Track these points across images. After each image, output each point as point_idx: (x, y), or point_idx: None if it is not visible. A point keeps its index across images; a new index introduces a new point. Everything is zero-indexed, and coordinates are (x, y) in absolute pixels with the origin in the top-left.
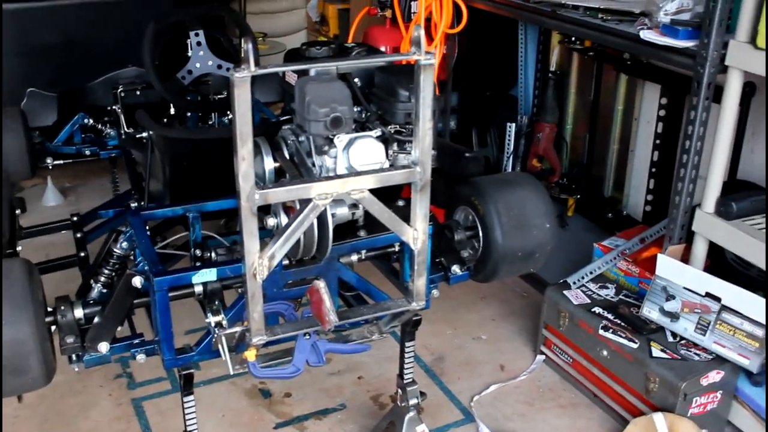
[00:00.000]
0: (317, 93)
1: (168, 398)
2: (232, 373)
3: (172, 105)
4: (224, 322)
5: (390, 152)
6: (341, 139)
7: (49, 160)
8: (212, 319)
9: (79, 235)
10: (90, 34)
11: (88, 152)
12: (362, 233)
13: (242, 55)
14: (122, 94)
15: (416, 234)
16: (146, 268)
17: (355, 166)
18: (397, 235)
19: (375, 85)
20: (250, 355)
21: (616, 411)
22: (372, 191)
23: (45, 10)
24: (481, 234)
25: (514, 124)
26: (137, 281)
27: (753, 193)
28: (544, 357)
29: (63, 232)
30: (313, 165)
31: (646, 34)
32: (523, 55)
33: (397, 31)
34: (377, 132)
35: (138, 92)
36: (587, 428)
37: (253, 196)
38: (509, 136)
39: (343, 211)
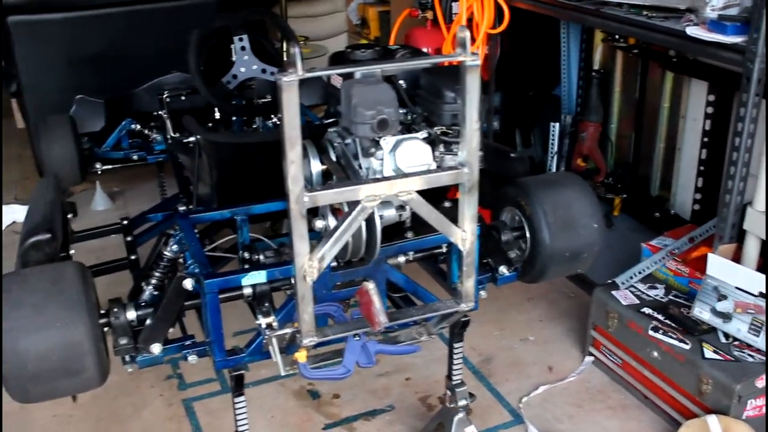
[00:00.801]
0: (363, 95)
1: (217, 399)
2: (282, 374)
3: (217, 109)
4: (275, 324)
5: (436, 153)
6: (387, 141)
7: (98, 165)
8: (263, 321)
9: (129, 239)
10: (134, 41)
11: (135, 157)
12: (409, 235)
13: (287, 59)
14: (168, 100)
15: (464, 235)
16: (196, 270)
17: (402, 167)
18: (446, 236)
19: (420, 86)
20: (301, 356)
21: (667, 413)
22: (419, 193)
23: (90, 19)
24: (528, 235)
25: (557, 124)
26: (188, 283)
27: None
28: (593, 358)
29: (113, 235)
30: (360, 167)
31: (693, 31)
32: (566, 54)
33: (439, 32)
34: (423, 134)
35: (183, 98)
36: (638, 430)
37: (302, 199)
38: (553, 135)
39: (390, 213)
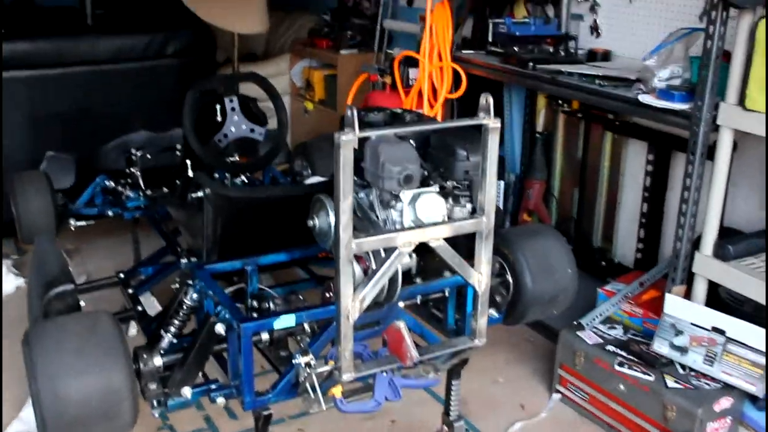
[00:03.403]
0: (391, 153)
1: None
2: (324, 409)
3: (190, 166)
4: (313, 362)
5: (447, 205)
6: (406, 194)
7: (72, 222)
8: (301, 360)
9: (131, 291)
10: (100, 99)
11: (111, 213)
12: (418, 280)
13: (346, 120)
14: (139, 157)
15: (481, 277)
16: (227, 316)
17: (421, 218)
18: (464, 278)
19: (431, 145)
20: (337, 391)
21: None
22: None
23: (55, 77)
24: (511, 280)
25: (502, 182)
26: (220, 328)
27: (744, 237)
28: (560, 395)
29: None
30: (377, 218)
31: (645, 98)
32: (509, 117)
33: (397, 95)
34: (436, 187)
35: (149, 156)
36: None
37: (350, 245)
38: (499, 193)
39: (406, 261)
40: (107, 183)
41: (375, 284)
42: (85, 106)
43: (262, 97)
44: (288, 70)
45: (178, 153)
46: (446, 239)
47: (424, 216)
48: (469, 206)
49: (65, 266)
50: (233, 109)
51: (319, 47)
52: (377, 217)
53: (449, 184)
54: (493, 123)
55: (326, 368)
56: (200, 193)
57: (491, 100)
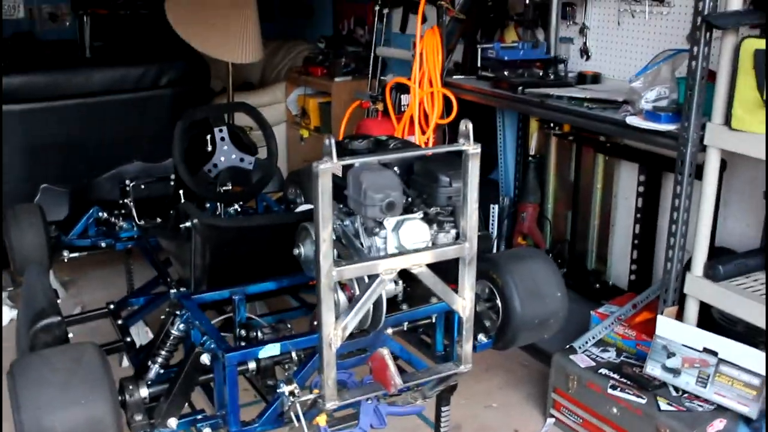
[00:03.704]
0: (373, 181)
1: None
2: None
3: (182, 196)
4: (297, 391)
5: (431, 232)
6: (390, 222)
7: (65, 253)
8: (285, 389)
9: (120, 322)
10: (93, 131)
11: (104, 244)
12: (404, 307)
13: (324, 148)
14: (133, 188)
15: (465, 303)
16: (212, 346)
17: (405, 245)
18: (447, 304)
19: (415, 172)
20: (321, 420)
21: None
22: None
23: (50, 110)
24: (500, 304)
25: (496, 206)
26: (205, 358)
27: (735, 257)
28: (554, 419)
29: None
30: (361, 245)
31: (632, 120)
32: (503, 141)
33: (389, 122)
34: (420, 214)
35: (143, 186)
36: None
37: (331, 273)
38: (493, 216)
39: (390, 287)
40: (100, 214)
41: (357, 312)
42: (80, 138)
43: (255, 126)
44: (284, 98)
45: (171, 183)
46: (431, 266)
47: (408, 242)
48: (453, 232)
49: (52, 299)
50: (223, 138)
51: (314, 75)
52: (362, 244)
53: (432, 210)
54: (473, 149)
55: (310, 396)
56: (188, 223)
57: (470, 126)
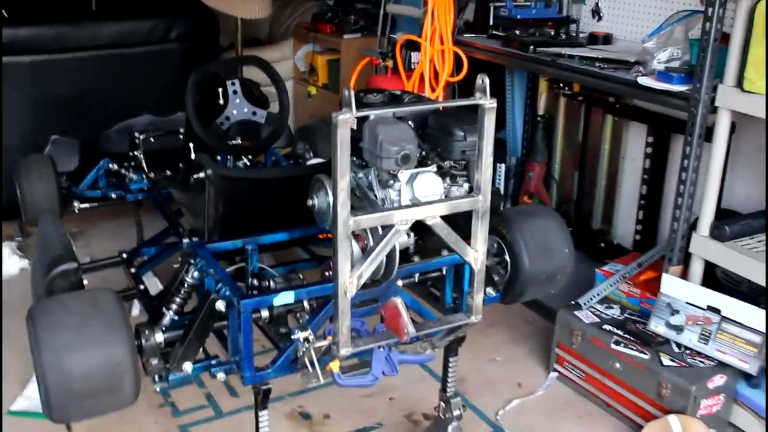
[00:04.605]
0: (388, 133)
1: (215, 424)
2: (322, 382)
3: (192, 149)
4: (311, 338)
5: (444, 185)
6: (404, 174)
7: (76, 204)
8: (300, 335)
9: (133, 271)
10: (103, 84)
11: (114, 196)
12: (416, 259)
13: (343, 100)
14: (143, 141)
15: (477, 255)
16: (227, 293)
17: (418, 197)
18: (460, 255)
19: (429, 126)
20: (335, 366)
21: (629, 417)
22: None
23: (58, 62)
24: (509, 259)
25: (503, 165)
26: (221, 305)
27: (741, 218)
28: (557, 374)
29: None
30: (375, 197)
31: (644, 80)
32: (511, 100)
33: (399, 79)
34: (434, 167)
35: (152, 139)
36: None
37: (348, 222)
38: (499, 175)
39: (403, 239)
40: (111, 166)
41: (372, 261)
42: (89, 91)
43: (265, 81)
44: (292, 54)
45: (180, 136)
46: (445, 219)
47: (422, 195)
48: (466, 186)
49: (69, 245)
50: (235, 92)
51: (323, 32)
52: (376, 196)
53: (447, 164)
54: (489, 103)
55: (324, 343)
56: (202, 174)
57: (487, 81)
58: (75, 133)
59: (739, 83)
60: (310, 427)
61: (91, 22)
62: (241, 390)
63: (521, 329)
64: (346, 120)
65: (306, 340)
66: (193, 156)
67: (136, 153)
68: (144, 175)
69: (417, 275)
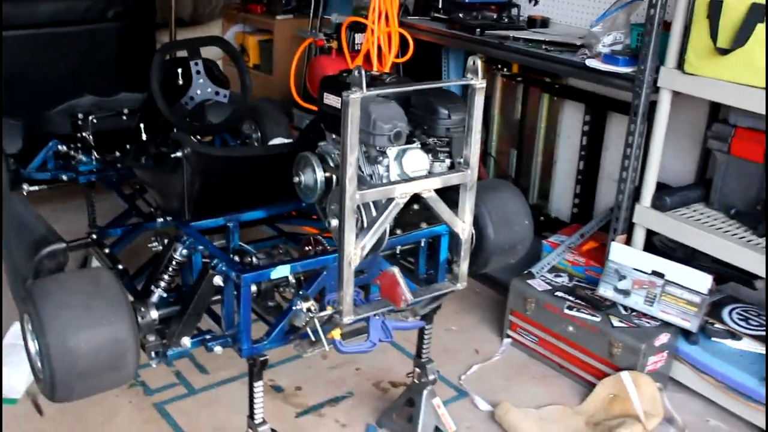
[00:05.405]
0: (380, 112)
1: (189, 401)
2: (327, 349)
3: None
4: (313, 308)
5: (428, 161)
6: (392, 151)
7: (25, 186)
8: (303, 306)
9: (107, 251)
10: (43, 64)
11: (65, 177)
12: (398, 231)
13: (353, 79)
14: (89, 122)
15: (464, 226)
16: (224, 268)
17: (407, 172)
18: (449, 226)
19: (413, 105)
20: (336, 333)
21: (582, 377)
22: None
23: None
24: (474, 231)
25: None
26: (218, 279)
27: (678, 190)
28: (510, 340)
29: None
30: (362, 173)
31: (592, 63)
32: (447, 79)
33: (343, 59)
34: (419, 144)
35: (95, 121)
36: (561, 393)
37: (354, 196)
38: None
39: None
40: (60, 147)
41: (375, 232)
42: (27, 71)
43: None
44: (221, 35)
45: (124, 117)
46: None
47: (410, 170)
48: (448, 161)
49: (50, 226)
50: (198, 72)
51: (254, 12)
52: (362, 171)
53: (431, 141)
54: (479, 84)
55: (328, 312)
56: (179, 153)
57: (479, 63)
58: (14, 114)
59: (680, 65)
60: (284, 399)
61: (28, 1)
62: (210, 366)
63: (471, 299)
64: (357, 99)
65: (309, 309)
66: (144, 137)
67: (84, 134)
68: (93, 157)
69: (398, 247)
